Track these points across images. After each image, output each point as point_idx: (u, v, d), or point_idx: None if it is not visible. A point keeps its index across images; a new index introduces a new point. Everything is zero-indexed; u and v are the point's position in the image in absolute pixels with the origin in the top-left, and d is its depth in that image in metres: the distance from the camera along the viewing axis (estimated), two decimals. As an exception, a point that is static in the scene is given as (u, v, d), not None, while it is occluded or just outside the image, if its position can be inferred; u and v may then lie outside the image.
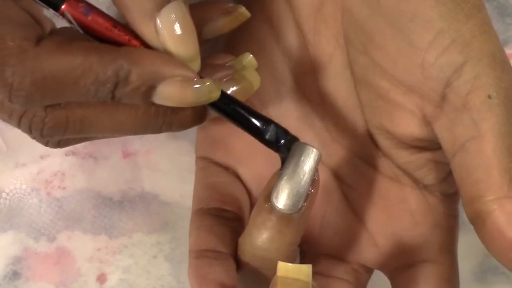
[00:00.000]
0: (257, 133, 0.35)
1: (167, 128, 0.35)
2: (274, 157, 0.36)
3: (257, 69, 0.38)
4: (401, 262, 0.39)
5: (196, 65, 0.34)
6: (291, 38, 0.41)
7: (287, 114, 0.41)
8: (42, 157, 0.46)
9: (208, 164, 0.42)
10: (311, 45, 0.40)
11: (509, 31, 0.47)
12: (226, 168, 0.42)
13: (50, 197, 0.45)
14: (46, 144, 0.36)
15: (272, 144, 0.35)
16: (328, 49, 0.39)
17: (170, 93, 0.33)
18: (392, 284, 0.40)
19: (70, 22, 0.33)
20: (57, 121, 0.34)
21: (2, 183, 0.45)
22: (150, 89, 0.33)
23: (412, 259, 0.39)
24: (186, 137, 0.46)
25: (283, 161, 0.35)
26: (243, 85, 0.36)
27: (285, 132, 0.35)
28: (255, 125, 0.35)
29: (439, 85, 0.34)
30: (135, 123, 0.35)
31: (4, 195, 0.45)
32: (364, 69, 0.38)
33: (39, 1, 0.33)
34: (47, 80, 0.31)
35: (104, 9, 0.34)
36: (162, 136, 0.46)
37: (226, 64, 0.37)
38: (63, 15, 0.33)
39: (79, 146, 0.46)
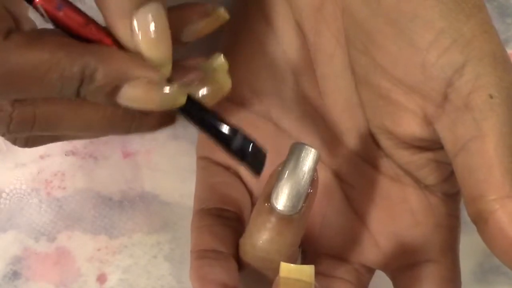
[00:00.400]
0: (222, 141, 0.34)
1: (137, 129, 0.35)
2: (275, 157, 0.36)
3: (255, 69, 0.38)
4: (402, 262, 0.39)
5: (167, 70, 0.33)
6: (291, 38, 0.41)
7: (288, 113, 0.41)
8: (42, 157, 0.45)
9: (209, 164, 0.42)
10: (312, 45, 0.40)
11: (510, 31, 0.47)
12: (227, 168, 0.42)
13: (50, 197, 0.45)
14: (14, 142, 0.36)
15: (237, 153, 0.34)
16: (329, 49, 0.39)
17: (134, 95, 0.32)
18: (394, 284, 0.40)
19: (42, 15, 0.33)
20: (24, 117, 0.34)
21: (2, 183, 0.45)
22: (115, 89, 0.32)
23: (413, 259, 0.39)
24: (186, 137, 0.46)
25: (251, 170, 0.35)
26: (213, 88, 0.36)
27: (251, 142, 0.35)
28: (222, 132, 0.34)
29: (441, 85, 0.34)
30: (103, 122, 0.34)
31: (4, 195, 0.45)
32: (365, 69, 0.38)
33: None
34: (13, 74, 0.31)
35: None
36: (162, 136, 0.46)
37: (198, 67, 0.36)
38: (36, 8, 0.33)
39: (79, 146, 0.46)
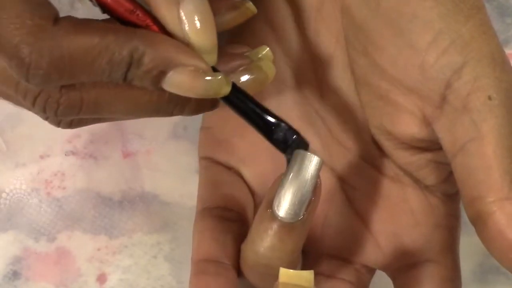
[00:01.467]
0: (265, 131, 0.35)
1: (179, 113, 0.35)
2: (277, 157, 0.36)
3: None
4: (403, 262, 0.39)
5: (213, 57, 0.34)
6: (291, 38, 0.41)
7: (289, 114, 0.41)
8: (42, 157, 0.46)
9: (211, 164, 0.42)
10: (312, 45, 0.40)
11: (509, 31, 0.47)
12: (229, 168, 0.42)
13: (50, 197, 0.45)
14: (58, 124, 0.36)
15: (279, 144, 0.35)
16: (329, 49, 0.39)
17: (179, 81, 0.33)
18: (394, 284, 0.40)
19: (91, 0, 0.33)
20: (72, 102, 0.34)
21: (2, 183, 0.45)
22: (161, 74, 0.33)
23: (414, 259, 0.39)
24: (186, 137, 0.46)
25: (289, 162, 0.35)
26: (258, 76, 0.36)
27: (295, 133, 0.35)
28: (265, 122, 0.35)
29: (439, 86, 0.34)
30: (148, 107, 0.35)
31: (4, 195, 0.45)
32: (364, 69, 0.38)
33: None
34: (64, 59, 0.31)
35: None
36: (162, 136, 0.46)
37: (244, 54, 0.37)
38: None
39: (79, 146, 0.46)
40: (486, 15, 0.35)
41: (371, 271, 0.41)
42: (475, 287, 0.46)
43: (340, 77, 0.39)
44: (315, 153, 0.34)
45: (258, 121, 0.35)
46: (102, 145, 0.46)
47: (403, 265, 0.39)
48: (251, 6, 0.38)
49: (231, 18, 0.37)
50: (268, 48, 0.37)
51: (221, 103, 0.35)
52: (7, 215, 0.45)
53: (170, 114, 0.35)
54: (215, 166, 0.42)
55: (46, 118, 0.35)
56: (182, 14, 0.33)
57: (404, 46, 0.35)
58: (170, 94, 0.34)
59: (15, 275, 0.45)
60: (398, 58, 0.35)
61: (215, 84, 0.33)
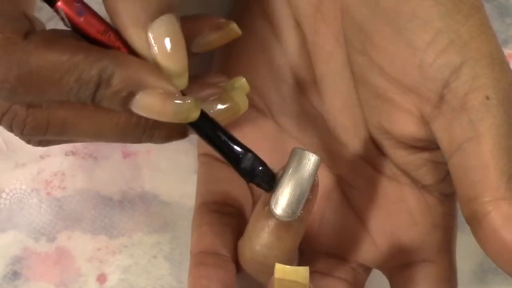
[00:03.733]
0: (233, 160, 0.35)
1: (147, 140, 0.35)
2: (276, 155, 0.36)
3: (255, 66, 0.38)
4: (399, 261, 0.40)
5: (184, 80, 0.34)
6: (291, 37, 0.41)
7: (287, 111, 0.41)
8: (42, 157, 0.46)
9: (210, 160, 0.42)
10: (311, 43, 0.40)
11: (509, 31, 0.47)
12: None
13: (50, 197, 0.45)
14: (28, 142, 0.36)
15: (246, 173, 0.35)
16: (328, 48, 0.39)
17: (148, 104, 0.32)
18: (390, 283, 0.40)
19: (63, 19, 0.33)
20: (38, 123, 0.34)
21: (2, 183, 0.45)
22: (130, 95, 0.32)
23: (410, 259, 0.39)
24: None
25: (261, 188, 0.35)
26: (229, 106, 0.36)
27: (262, 164, 0.35)
28: (232, 151, 0.35)
29: (437, 86, 0.34)
30: (115, 131, 0.35)
31: (4, 195, 0.45)
32: (362, 68, 0.38)
33: None
34: (32, 74, 0.31)
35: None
36: (162, 136, 0.46)
37: (218, 84, 0.37)
38: (57, 11, 0.33)
39: (79, 146, 0.46)
40: (485, 15, 0.35)
41: (367, 270, 0.41)
42: (474, 287, 0.46)
43: (339, 75, 0.39)
44: (313, 151, 0.34)
45: (226, 149, 0.35)
46: (102, 145, 0.46)
47: (400, 264, 0.40)
48: (235, 27, 0.38)
49: (214, 39, 0.37)
50: (244, 79, 0.37)
51: (190, 130, 0.35)
52: (7, 215, 0.45)
53: (139, 140, 0.35)
54: (214, 163, 0.42)
55: (16, 135, 0.35)
56: (150, 37, 0.32)
57: (403, 45, 0.35)
58: (138, 118, 0.34)
59: (15, 275, 0.45)
60: (397, 57, 0.35)
61: (185, 108, 0.33)
